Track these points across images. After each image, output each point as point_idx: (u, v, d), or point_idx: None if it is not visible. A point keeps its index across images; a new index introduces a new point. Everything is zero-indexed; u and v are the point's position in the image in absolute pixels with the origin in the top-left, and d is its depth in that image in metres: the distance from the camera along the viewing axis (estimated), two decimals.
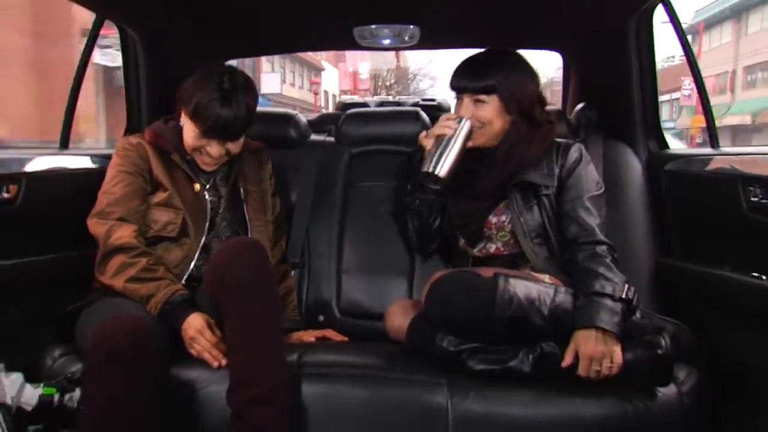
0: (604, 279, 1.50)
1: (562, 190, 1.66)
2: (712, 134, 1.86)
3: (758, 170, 1.49)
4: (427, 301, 1.52)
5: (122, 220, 1.64)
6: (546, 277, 1.59)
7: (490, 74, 1.67)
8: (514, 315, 1.44)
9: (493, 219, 1.71)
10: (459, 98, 1.72)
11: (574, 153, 1.69)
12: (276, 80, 22.78)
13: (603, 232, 1.61)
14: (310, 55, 26.09)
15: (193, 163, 1.75)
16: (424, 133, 1.72)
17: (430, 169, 1.62)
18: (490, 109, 1.67)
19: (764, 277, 1.42)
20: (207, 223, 1.72)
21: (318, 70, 28.63)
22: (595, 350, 1.42)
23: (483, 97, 1.67)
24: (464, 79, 1.70)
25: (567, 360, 1.44)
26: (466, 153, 1.65)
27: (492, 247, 1.73)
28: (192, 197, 1.73)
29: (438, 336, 1.51)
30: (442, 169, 1.62)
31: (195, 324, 1.53)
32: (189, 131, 1.70)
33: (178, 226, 1.69)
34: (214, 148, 1.69)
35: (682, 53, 1.92)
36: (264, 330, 1.43)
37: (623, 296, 1.47)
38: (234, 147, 1.73)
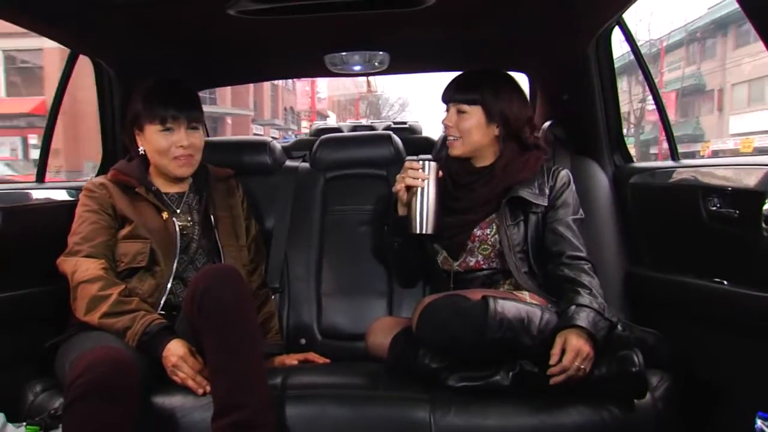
0: (593, 296, 1.56)
1: (550, 209, 1.74)
2: (671, 147, 1.94)
3: (716, 181, 1.56)
4: (418, 327, 1.54)
5: (89, 256, 1.66)
6: (527, 296, 1.63)
7: (476, 88, 1.76)
8: (504, 336, 1.47)
9: (477, 232, 1.76)
10: (445, 110, 1.80)
11: (563, 177, 1.78)
12: None
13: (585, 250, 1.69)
14: None
15: (159, 193, 1.79)
16: (397, 186, 1.72)
17: (418, 231, 1.67)
18: (471, 120, 1.74)
19: (725, 282, 1.48)
20: (177, 251, 1.74)
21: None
22: (584, 346, 1.46)
23: (465, 107, 1.75)
24: (451, 90, 1.79)
25: (554, 358, 1.47)
26: (444, 187, 1.71)
27: (472, 261, 1.77)
28: (159, 226, 1.75)
29: (420, 353, 1.54)
30: (429, 225, 1.67)
31: (176, 351, 1.54)
32: (152, 136, 1.74)
33: (147, 255, 1.70)
34: (182, 135, 1.73)
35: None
36: (245, 354, 1.44)
37: (611, 320, 1.54)
38: (197, 139, 1.78)
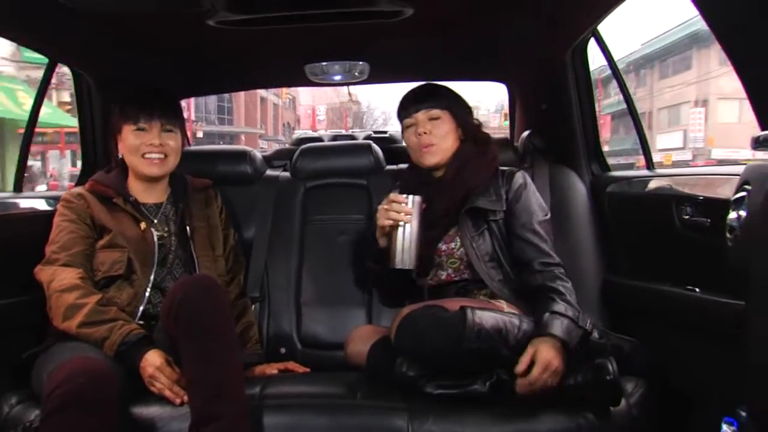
0: (567, 303, 1.57)
1: (511, 215, 1.74)
2: (647, 157, 1.97)
3: (689, 190, 1.59)
4: (397, 337, 1.55)
5: (66, 265, 1.67)
6: (504, 305, 1.64)
7: (441, 94, 1.79)
8: (482, 347, 1.47)
9: (442, 246, 1.76)
10: (409, 123, 1.79)
11: (518, 179, 1.77)
12: None
13: (554, 254, 1.70)
14: None
15: (137, 204, 1.80)
16: (382, 222, 1.68)
17: (399, 266, 1.64)
18: (445, 124, 1.76)
19: (697, 290, 1.50)
20: (155, 260, 1.75)
21: None
22: (554, 359, 1.46)
23: (438, 112, 1.76)
24: (418, 101, 1.79)
25: (521, 367, 1.47)
26: (424, 223, 1.67)
27: (443, 275, 1.78)
28: (137, 236, 1.76)
29: (397, 361, 1.55)
30: (409, 261, 1.64)
31: (154, 362, 1.53)
32: (126, 136, 1.76)
33: (124, 263, 1.71)
34: (154, 134, 1.75)
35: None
36: (222, 364, 1.44)
37: (586, 327, 1.54)
38: (171, 140, 1.79)
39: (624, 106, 2.02)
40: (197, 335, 1.45)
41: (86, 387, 1.33)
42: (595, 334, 1.59)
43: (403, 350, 1.54)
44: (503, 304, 1.65)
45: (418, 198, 1.65)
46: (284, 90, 27.90)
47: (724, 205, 1.20)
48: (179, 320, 1.46)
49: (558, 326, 1.50)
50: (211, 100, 23.66)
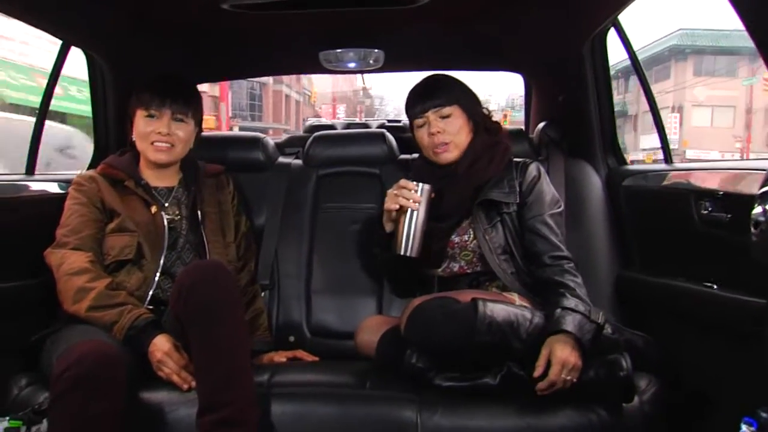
0: (578, 298, 1.54)
1: (524, 207, 1.71)
2: (665, 151, 1.94)
3: (709, 184, 1.56)
4: (407, 328, 1.53)
5: (76, 249, 1.66)
6: (515, 297, 1.62)
7: (449, 89, 1.75)
8: (493, 339, 1.45)
9: (455, 239, 1.74)
10: (421, 123, 1.75)
11: (532, 171, 1.75)
12: None
13: (564, 247, 1.67)
14: None
15: (148, 187, 1.79)
16: (389, 205, 1.67)
17: (402, 252, 1.63)
18: (457, 120, 1.72)
19: (715, 287, 1.47)
20: (165, 244, 1.74)
21: None
22: (569, 356, 1.44)
23: (448, 109, 1.72)
24: (427, 99, 1.74)
25: (539, 370, 1.45)
26: (431, 212, 1.65)
27: (455, 267, 1.76)
28: (147, 220, 1.75)
29: (407, 352, 1.53)
30: (413, 249, 1.63)
31: (162, 347, 1.53)
32: (138, 121, 1.77)
33: (134, 248, 1.71)
34: (164, 122, 1.75)
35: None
36: (230, 351, 1.44)
37: (598, 321, 1.51)
38: (181, 130, 1.78)
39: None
40: (206, 321, 1.44)
41: (94, 370, 1.33)
42: (608, 329, 1.56)
43: (413, 342, 1.52)
44: (515, 297, 1.63)
45: (427, 186, 1.63)
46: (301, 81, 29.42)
47: (747, 200, 1.16)
48: (188, 306, 1.45)
49: (570, 322, 1.48)
50: (244, 98, 24.97)
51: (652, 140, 22.30)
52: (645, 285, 1.80)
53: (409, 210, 1.63)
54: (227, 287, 1.49)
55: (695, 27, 27.98)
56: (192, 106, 1.82)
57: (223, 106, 17.61)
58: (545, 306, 1.57)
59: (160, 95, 1.76)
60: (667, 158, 1.93)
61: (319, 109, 32.42)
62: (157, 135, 1.76)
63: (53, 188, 1.93)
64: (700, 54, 24.61)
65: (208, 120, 20.40)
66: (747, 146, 22.10)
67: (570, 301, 1.52)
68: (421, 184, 1.63)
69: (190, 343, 1.48)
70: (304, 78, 29.75)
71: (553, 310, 1.52)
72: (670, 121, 22.68)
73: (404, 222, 1.63)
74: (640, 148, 23.96)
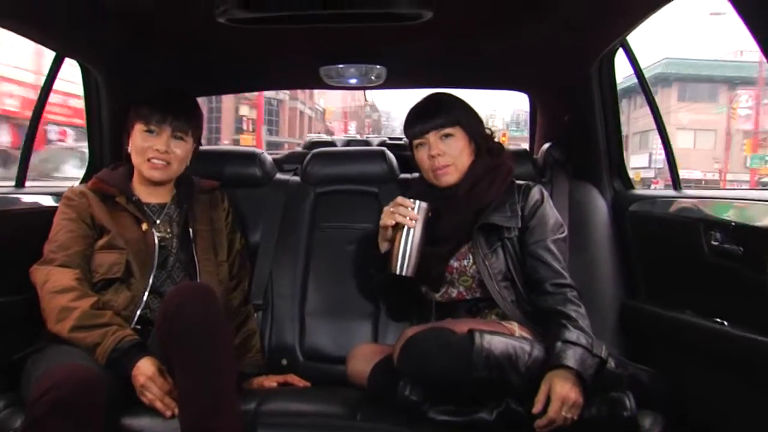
0: (581, 330, 1.48)
1: (525, 231, 1.65)
2: (674, 176, 1.87)
3: (719, 214, 1.49)
4: (400, 360, 1.46)
5: (63, 265, 1.62)
6: (515, 327, 1.55)
7: (451, 109, 1.69)
8: (491, 374, 1.39)
9: (454, 263, 1.68)
10: (421, 143, 1.70)
11: (535, 194, 1.69)
12: None
13: (567, 275, 1.61)
14: None
15: (140, 204, 1.74)
16: (386, 221, 1.63)
17: (398, 271, 1.58)
18: (459, 141, 1.67)
19: (725, 323, 1.40)
20: (155, 263, 1.69)
21: None
22: (570, 393, 1.37)
23: (450, 130, 1.67)
24: (427, 119, 1.68)
25: (538, 406, 1.38)
26: (428, 231, 1.61)
27: (454, 292, 1.70)
28: (137, 237, 1.70)
29: (401, 383, 1.46)
30: (409, 268, 1.58)
31: (146, 371, 1.47)
32: (135, 135, 1.72)
33: (123, 266, 1.65)
34: (163, 140, 1.71)
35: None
36: (216, 378, 1.38)
37: (601, 355, 1.45)
38: (179, 149, 1.74)
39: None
40: (192, 346, 1.38)
41: (73, 396, 1.28)
42: (612, 363, 1.49)
43: (406, 374, 1.45)
44: (515, 326, 1.56)
45: (424, 204, 1.59)
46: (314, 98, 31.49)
47: (763, 234, 1.10)
48: (173, 330, 1.40)
49: (571, 356, 1.41)
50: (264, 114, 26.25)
51: (640, 160, 24.68)
52: (651, 316, 1.73)
53: (406, 228, 1.58)
54: (214, 311, 1.44)
55: (679, 56, 30.26)
56: (192, 123, 1.78)
57: (264, 128, 18.21)
58: (546, 337, 1.51)
59: (162, 111, 1.72)
60: (676, 184, 1.87)
61: (330, 125, 33.38)
62: (154, 152, 1.71)
63: (44, 201, 1.88)
64: (684, 81, 26.11)
65: (246, 138, 21.27)
66: (725, 168, 24.67)
67: (572, 334, 1.46)
68: (418, 202, 1.59)
69: (174, 369, 1.42)
70: (317, 95, 31.23)
71: (554, 342, 1.45)
72: (657, 142, 24.12)
73: (400, 240, 1.58)
74: (631, 167, 26.04)
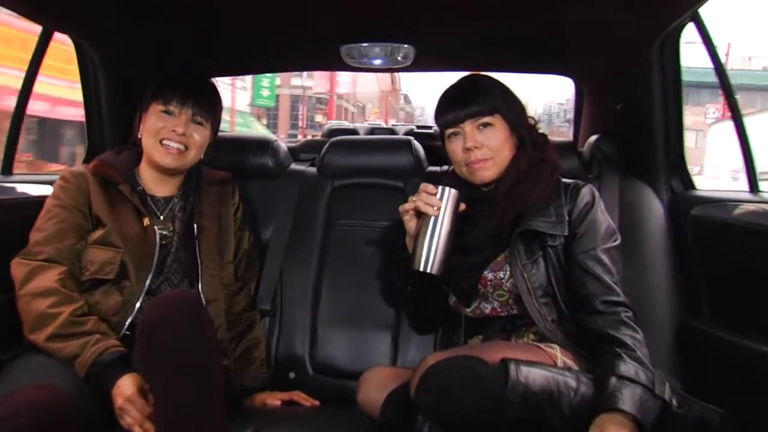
0: (639, 363, 1.23)
1: (572, 239, 1.41)
2: (751, 177, 1.60)
3: None
4: (417, 393, 1.22)
5: (49, 261, 1.44)
6: (557, 352, 1.32)
7: (490, 93, 1.46)
8: (528, 414, 1.15)
9: (489, 275, 1.45)
10: (454, 133, 1.47)
11: (585, 195, 1.45)
12: None
13: (621, 291, 1.36)
14: None
15: (144, 195, 1.57)
16: (405, 205, 1.45)
17: (421, 267, 1.37)
18: (499, 132, 1.44)
19: None
20: (154, 264, 1.52)
21: None
22: None
23: (489, 119, 1.44)
24: (463, 105, 1.45)
25: None
26: (457, 225, 1.40)
27: (487, 308, 1.47)
28: (137, 234, 1.53)
29: (418, 419, 1.23)
30: (434, 265, 1.37)
31: (125, 390, 1.30)
32: (151, 116, 1.56)
33: (116, 267, 1.48)
34: (181, 121, 1.54)
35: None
36: (197, 408, 1.19)
37: (664, 396, 1.21)
38: (199, 134, 1.58)
39: None
40: (171, 370, 1.19)
41: (40, 425, 1.11)
42: (674, 401, 1.24)
43: (425, 410, 1.22)
44: (556, 351, 1.32)
45: (453, 191, 1.38)
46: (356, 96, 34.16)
47: None
48: (151, 349, 1.21)
49: (629, 398, 1.16)
50: (311, 108, 27.95)
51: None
52: (716, 342, 1.47)
53: (432, 218, 1.37)
54: (200, 327, 1.24)
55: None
56: (214, 111, 1.62)
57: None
58: (594, 366, 1.27)
59: (184, 92, 1.55)
60: (753, 186, 1.60)
61: (369, 118, 34.64)
62: (170, 133, 1.54)
63: (34, 190, 1.73)
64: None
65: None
66: None
67: (629, 367, 1.21)
68: (446, 188, 1.38)
69: (152, 392, 1.24)
70: (359, 92, 33.25)
71: (607, 377, 1.20)
72: (704, 143, 24.25)
73: (424, 232, 1.38)
74: None
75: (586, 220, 1.42)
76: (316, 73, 29.90)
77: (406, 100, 34.67)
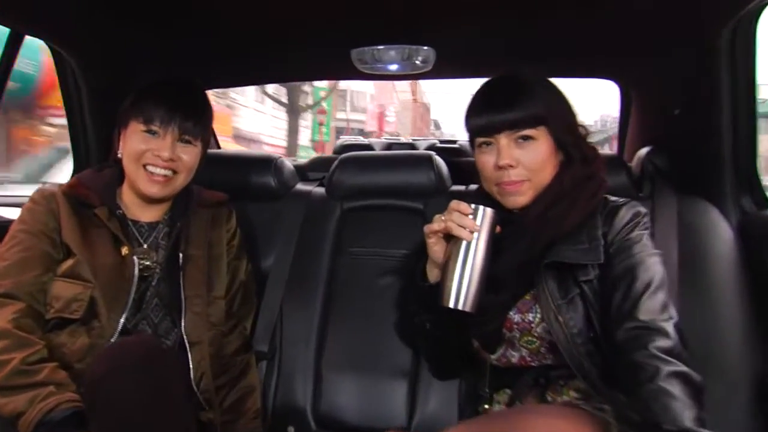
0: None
1: (610, 269, 1.16)
2: None
3: None
4: None
5: (6, 296, 1.28)
6: (610, 418, 1.05)
7: (535, 97, 1.21)
8: None
9: (515, 317, 1.20)
10: (486, 143, 1.23)
11: (624, 215, 1.19)
12: None
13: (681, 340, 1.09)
14: None
15: (124, 220, 1.40)
16: (432, 225, 1.23)
17: (451, 303, 1.15)
18: (542, 147, 1.20)
19: None
20: (130, 300, 1.34)
21: None
22: None
23: (531, 131, 1.19)
24: (499, 110, 1.20)
25: None
26: (493, 254, 1.17)
27: (515, 356, 1.23)
28: (112, 265, 1.35)
29: None
30: (467, 300, 1.14)
31: None
32: (131, 136, 1.39)
33: (84, 304, 1.31)
34: (167, 143, 1.37)
35: None
36: None
37: None
38: (187, 155, 1.40)
39: None
40: (117, 429, 0.99)
41: None
42: None
43: None
44: (609, 417, 1.05)
45: (490, 211, 1.16)
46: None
47: None
48: (95, 407, 1.04)
49: None
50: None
51: None
52: None
53: (464, 243, 1.15)
54: (152, 381, 1.06)
55: None
56: (203, 126, 1.43)
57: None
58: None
59: (168, 108, 1.37)
60: None
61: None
62: (154, 158, 1.36)
63: (6, 213, 1.62)
64: None
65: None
66: None
67: None
68: (481, 207, 1.16)
69: None
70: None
71: None
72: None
73: (455, 260, 1.15)
74: None
75: (626, 245, 1.16)
76: (368, 110, 30.90)
77: (436, 126, 35.35)
